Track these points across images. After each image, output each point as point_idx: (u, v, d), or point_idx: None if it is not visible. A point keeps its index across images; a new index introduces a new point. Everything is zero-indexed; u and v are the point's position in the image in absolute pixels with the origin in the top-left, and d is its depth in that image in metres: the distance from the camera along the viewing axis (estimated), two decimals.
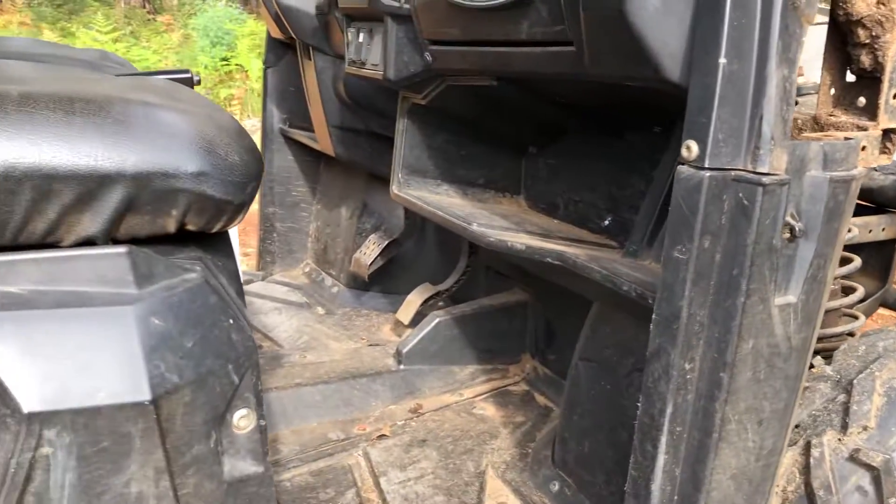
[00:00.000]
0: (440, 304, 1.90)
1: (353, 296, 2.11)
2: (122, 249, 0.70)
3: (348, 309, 2.09)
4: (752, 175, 0.78)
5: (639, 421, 0.93)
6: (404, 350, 1.65)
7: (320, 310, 2.10)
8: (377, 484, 1.33)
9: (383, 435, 1.48)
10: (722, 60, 0.77)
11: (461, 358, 1.69)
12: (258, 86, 6.27)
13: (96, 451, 0.65)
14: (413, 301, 1.83)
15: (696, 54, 0.81)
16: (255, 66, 6.79)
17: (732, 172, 0.79)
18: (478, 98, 1.48)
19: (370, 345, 1.87)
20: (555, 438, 1.40)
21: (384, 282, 2.08)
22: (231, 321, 0.76)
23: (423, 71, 1.42)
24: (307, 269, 2.36)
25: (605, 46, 0.97)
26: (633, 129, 1.40)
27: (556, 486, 1.30)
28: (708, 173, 0.78)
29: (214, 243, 0.83)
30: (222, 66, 7.19)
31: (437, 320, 1.66)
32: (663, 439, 0.91)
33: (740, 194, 0.78)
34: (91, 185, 0.68)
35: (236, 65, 7.19)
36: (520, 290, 1.73)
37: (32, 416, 0.62)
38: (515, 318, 1.72)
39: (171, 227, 0.74)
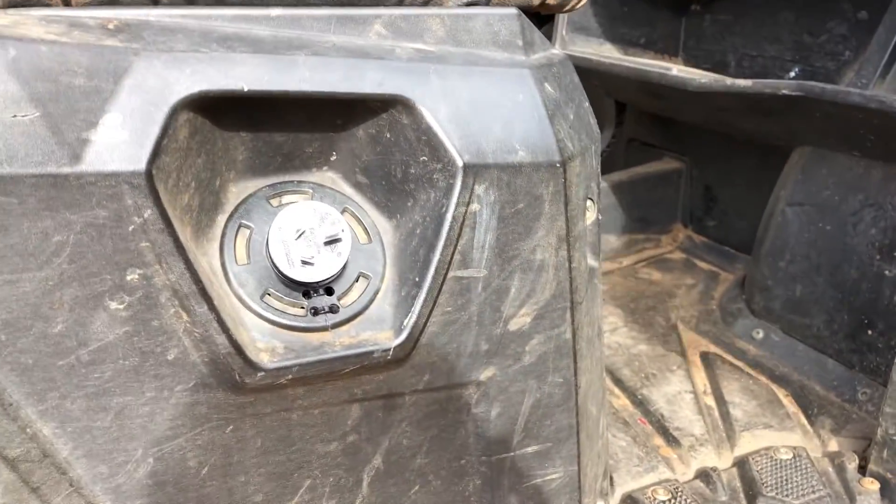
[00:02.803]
0: None
1: None
2: (512, 11, 0.65)
3: None
4: None
5: None
6: None
7: None
8: None
9: None
10: None
11: (616, 227, 1.66)
12: None
13: (514, 212, 0.62)
14: None
15: None
16: None
17: None
18: None
19: None
20: (743, 292, 1.39)
21: None
22: (587, 103, 0.72)
23: None
24: None
25: None
26: None
27: (759, 334, 1.29)
28: None
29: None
30: None
31: None
32: None
33: None
34: None
35: None
36: (672, 159, 1.70)
37: (467, 169, 0.59)
38: (669, 187, 1.68)
39: None
